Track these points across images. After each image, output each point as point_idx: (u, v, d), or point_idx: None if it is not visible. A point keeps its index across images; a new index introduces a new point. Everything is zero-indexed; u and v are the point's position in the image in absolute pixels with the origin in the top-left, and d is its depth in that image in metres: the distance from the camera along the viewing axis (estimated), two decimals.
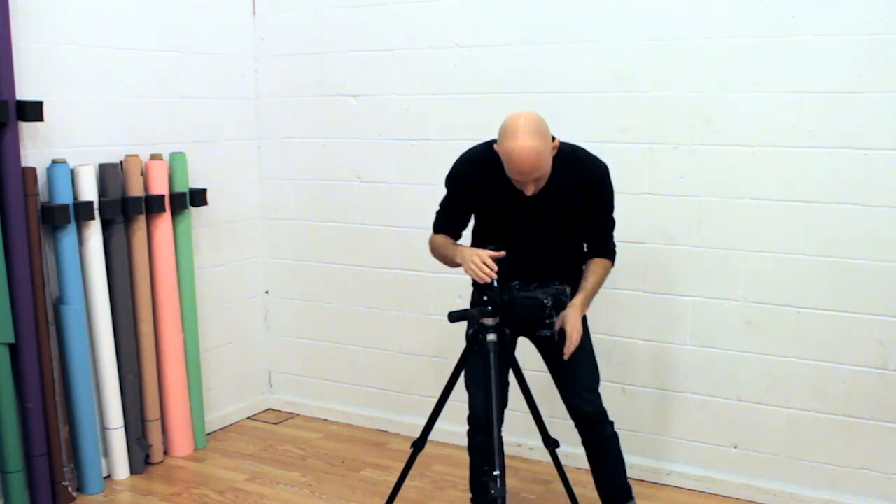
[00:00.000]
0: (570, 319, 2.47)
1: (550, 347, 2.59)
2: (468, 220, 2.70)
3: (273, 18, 3.92)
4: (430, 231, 2.69)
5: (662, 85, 3.13)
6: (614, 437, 2.70)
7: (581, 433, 2.69)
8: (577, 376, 2.62)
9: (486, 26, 3.41)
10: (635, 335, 3.32)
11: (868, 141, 2.85)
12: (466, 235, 2.72)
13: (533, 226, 2.53)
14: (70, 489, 3.20)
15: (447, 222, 2.69)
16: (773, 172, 3.00)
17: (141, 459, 3.47)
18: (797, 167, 2.96)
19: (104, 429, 3.37)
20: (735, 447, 3.23)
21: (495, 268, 2.36)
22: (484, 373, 2.37)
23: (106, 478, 3.38)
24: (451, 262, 2.60)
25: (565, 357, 2.48)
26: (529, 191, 2.39)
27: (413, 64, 3.60)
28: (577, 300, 2.51)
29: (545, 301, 2.32)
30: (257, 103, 4.02)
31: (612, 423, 2.69)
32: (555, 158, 2.41)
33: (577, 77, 3.26)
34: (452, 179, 2.64)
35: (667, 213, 3.19)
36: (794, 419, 3.10)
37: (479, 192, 2.56)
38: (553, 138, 2.39)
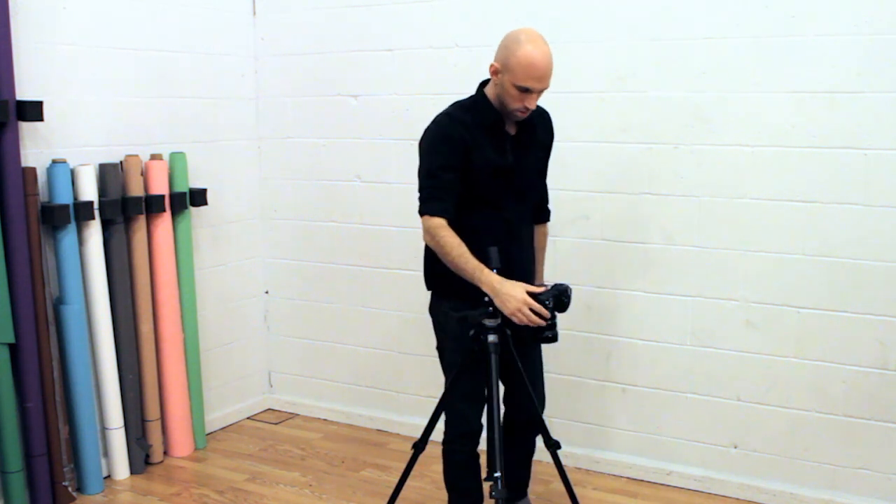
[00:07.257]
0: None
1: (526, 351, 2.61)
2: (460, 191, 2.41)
3: (273, 18, 3.92)
4: None
5: (662, 85, 3.13)
6: (534, 441, 2.80)
7: (513, 430, 2.73)
8: (536, 391, 2.68)
9: (486, 26, 3.40)
10: (635, 335, 3.31)
11: (868, 141, 2.85)
12: None
13: (514, 180, 2.50)
14: (70, 489, 3.20)
15: (448, 195, 2.36)
16: (773, 172, 3.00)
17: (141, 459, 3.47)
18: (797, 167, 2.96)
19: (104, 429, 3.37)
20: (735, 447, 3.23)
21: (548, 315, 2.31)
22: (486, 374, 2.37)
23: (106, 478, 3.38)
24: (466, 277, 2.34)
25: None
26: (524, 110, 2.39)
27: (413, 64, 3.60)
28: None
29: (546, 302, 2.31)
30: (257, 103, 4.01)
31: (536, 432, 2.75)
32: None
33: (577, 77, 3.26)
34: (447, 141, 2.37)
35: (667, 213, 3.19)
36: (794, 419, 3.11)
37: (475, 150, 2.38)
38: None
